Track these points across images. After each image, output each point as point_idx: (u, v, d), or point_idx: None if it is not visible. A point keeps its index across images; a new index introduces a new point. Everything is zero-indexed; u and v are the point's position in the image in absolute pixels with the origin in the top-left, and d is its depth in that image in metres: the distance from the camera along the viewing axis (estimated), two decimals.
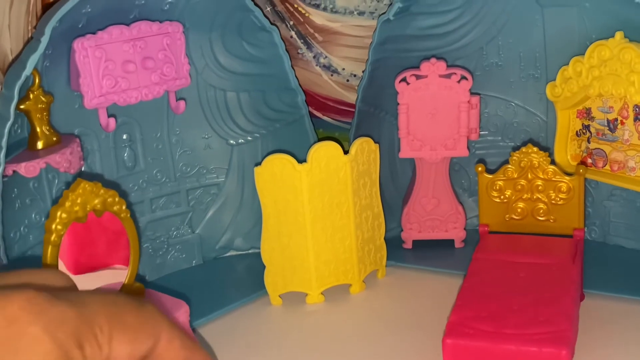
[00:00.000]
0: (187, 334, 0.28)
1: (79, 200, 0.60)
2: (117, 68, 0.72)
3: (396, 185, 0.90)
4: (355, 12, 0.89)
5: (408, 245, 0.88)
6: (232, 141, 0.86)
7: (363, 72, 0.84)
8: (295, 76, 0.84)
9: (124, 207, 0.64)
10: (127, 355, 0.25)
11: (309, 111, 0.86)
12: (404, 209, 0.87)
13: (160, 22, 0.75)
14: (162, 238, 0.84)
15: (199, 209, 0.87)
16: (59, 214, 0.59)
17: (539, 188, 0.74)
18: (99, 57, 0.70)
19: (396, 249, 0.87)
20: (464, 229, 0.87)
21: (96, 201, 0.61)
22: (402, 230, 0.88)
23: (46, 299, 0.23)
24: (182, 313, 0.66)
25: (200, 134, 0.85)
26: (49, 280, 0.26)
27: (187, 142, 0.85)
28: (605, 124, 0.79)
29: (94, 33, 0.70)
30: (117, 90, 0.72)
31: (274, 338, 0.73)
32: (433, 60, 0.81)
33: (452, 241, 0.87)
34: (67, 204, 0.59)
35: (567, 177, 0.74)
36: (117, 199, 0.63)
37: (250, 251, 0.88)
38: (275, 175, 0.75)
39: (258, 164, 0.76)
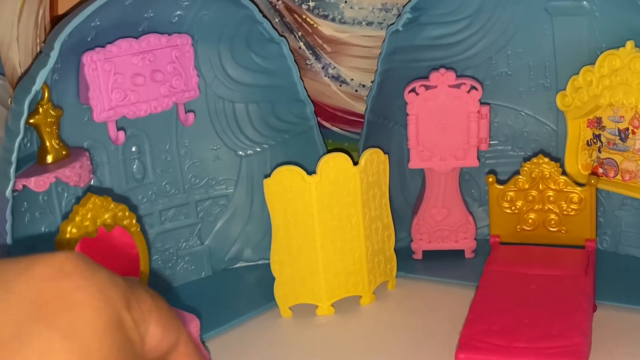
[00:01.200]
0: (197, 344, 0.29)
1: (89, 215, 0.60)
2: (126, 81, 0.72)
3: (406, 195, 0.89)
4: (363, 23, 0.88)
5: (418, 255, 0.87)
6: (241, 152, 0.86)
7: (372, 82, 0.84)
8: (304, 87, 0.83)
9: (134, 221, 0.64)
10: (160, 339, 0.25)
11: (318, 122, 0.86)
12: (413, 219, 0.87)
13: (169, 34, 0.75)
14: (171, 250, 0.84)
15: (208, 221, 0.87)
16: (69, 229, 0.59)
17: (550, 199, 0.74)
18: (108, 71, 0.70)
19: (406, 259, 0.86)
20: (474, 239, 0.87)
21: (106, 216, 0.61)
22: (412, 241, 0.87)
23: (94, 262, 0.24)
24: (193, 327, 0.65)
25: (209, 146, 0.85)
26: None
27: (196, 153, 0.85)
28: (617, 133, 0.79)
29: (103, 46, 0.70)
30: (126, 104, 0.72)
31: (285, 351, 0.73)
32: (442, 70, 0.80)
33: (462, 251, 0.87)
34: (78, 218, 0.59)
35: (578, 188, 0.73)
36: (127, 213, 0.63)
37: (259, 262, 0.88)
38: (285, 186, 0.75)
39: (267, 175, 0.76)
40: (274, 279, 0.78)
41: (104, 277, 0.24)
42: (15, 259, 0.24)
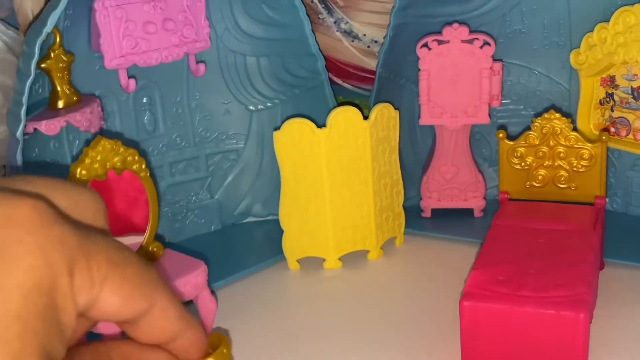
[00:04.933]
0: (183, 306, 0.25)
1: (98, 158, 0.60)
2: (137, 29, 0.72)
3: (416, 153, 0.89)
4: None
5: (427, 213, 0.87)
6: (251, 107, 0.86)
7: (384, 37, 0.83)
8: (316, 41, 0.83)
9: (143, 166, 0.64)
10: (116, 309, 0.23)
11: (329, 78, 0.86)
12: (423, 177, 0.87)
13: None
14: (182, 202, 0.85)
15: (218, 175, 0.87)
16: (78, 170, 0.59)
17: (561, 155, 0.73)
18: (119, 18, 0.70)
19: (415, 217, 0.86)
20: (484, 198, 0.86)
21: (116, 159, 0.61)
22: (421, 199, 0.87)
23: (54, 216, 0.22)
24: (199, 272, 0.66)
25: (220, 99, 0.85)
26: (77, 200, 0.24)
27: (207, 107, 0.85)
28: (630, 92, 0.78)
29: None
30: (137, 51, 0.72)
31: (291, 302, 0.73)
32: (455, 25, 0.80)
33: (471, 210, 0.87)
34: (87, 160, 0.60)
35: (589, 144, 0.73)
36: (136, 158, 0.63)
37: (268, 218, 0.88)
38: (294, 139, 0.75)
39: (277, 128, 0.76)
40: (282, 234, 0.78)
41: (54, 234, 0.21)
42: None
